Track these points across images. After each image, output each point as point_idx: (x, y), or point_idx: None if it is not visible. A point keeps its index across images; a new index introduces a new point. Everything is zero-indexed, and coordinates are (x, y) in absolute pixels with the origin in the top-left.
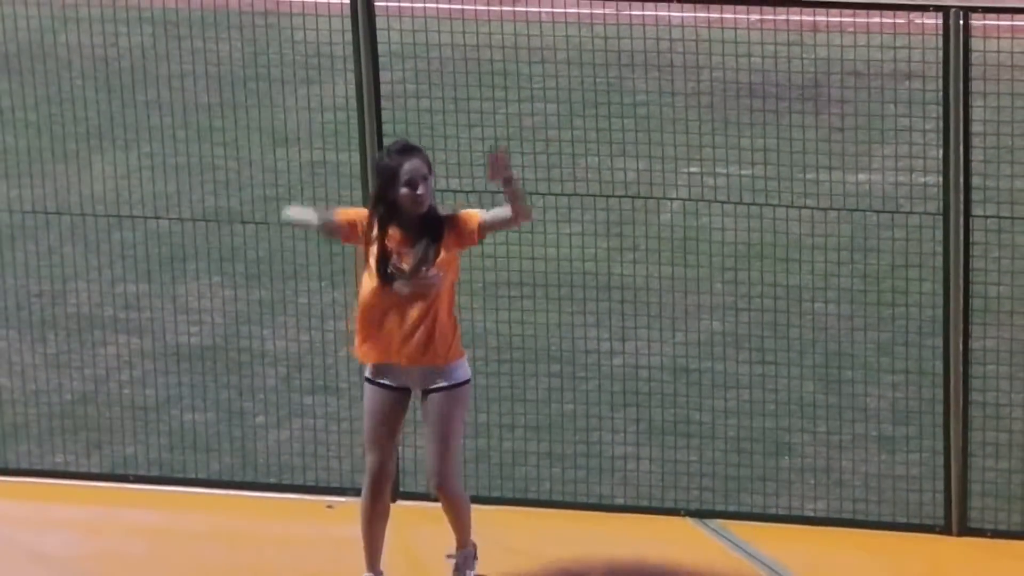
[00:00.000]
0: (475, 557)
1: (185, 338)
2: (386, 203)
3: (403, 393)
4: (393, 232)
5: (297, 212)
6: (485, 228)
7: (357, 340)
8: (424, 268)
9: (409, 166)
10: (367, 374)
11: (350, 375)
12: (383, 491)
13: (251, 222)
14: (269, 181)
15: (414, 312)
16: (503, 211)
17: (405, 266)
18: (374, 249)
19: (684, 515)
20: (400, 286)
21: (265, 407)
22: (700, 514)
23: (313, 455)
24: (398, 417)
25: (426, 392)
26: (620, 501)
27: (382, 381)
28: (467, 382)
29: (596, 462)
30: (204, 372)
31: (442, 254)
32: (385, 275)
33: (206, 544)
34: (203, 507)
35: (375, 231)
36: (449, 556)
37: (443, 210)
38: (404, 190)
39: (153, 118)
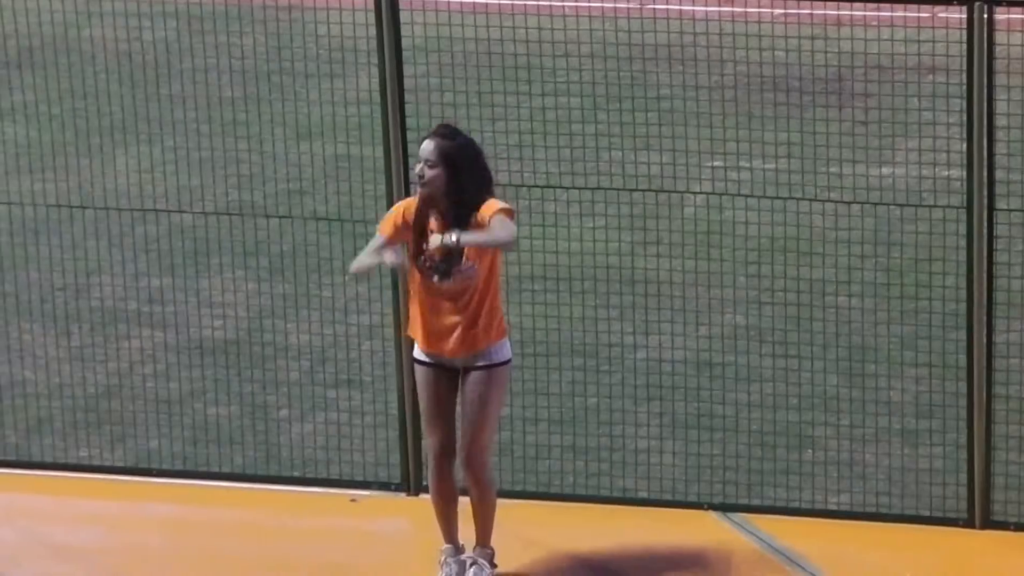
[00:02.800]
0: (492, 564)
1: (209, 332)
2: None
3: (452, 372)
4: (436, 221)
5: (361, 261)
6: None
7: (411, 326)
8: (455, 259)
9: (423, 146)
10: (415, 353)
11: (373, 368)
12: (447, 471)
13: (275, 216)
14: (293, 175)
15: (454, 304)
16: (485, 232)
17: (434, 252)
18: (412, 239)
19: (707, 508)
20: (440, 282)
21: (288, 401)
22: (723, 507)
23: (337, 449)
24: (450, 395)
25: (466, 370)
26: (643, 495)
27: (427, 360)
28: (507, 362)
29: (619, 456)
30: (228, 366)
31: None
32: (420, 267)
33: (230, 538)
34: (226, 501)
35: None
36: (458, 555)
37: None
38: (416, 168)
39: (177, 112)
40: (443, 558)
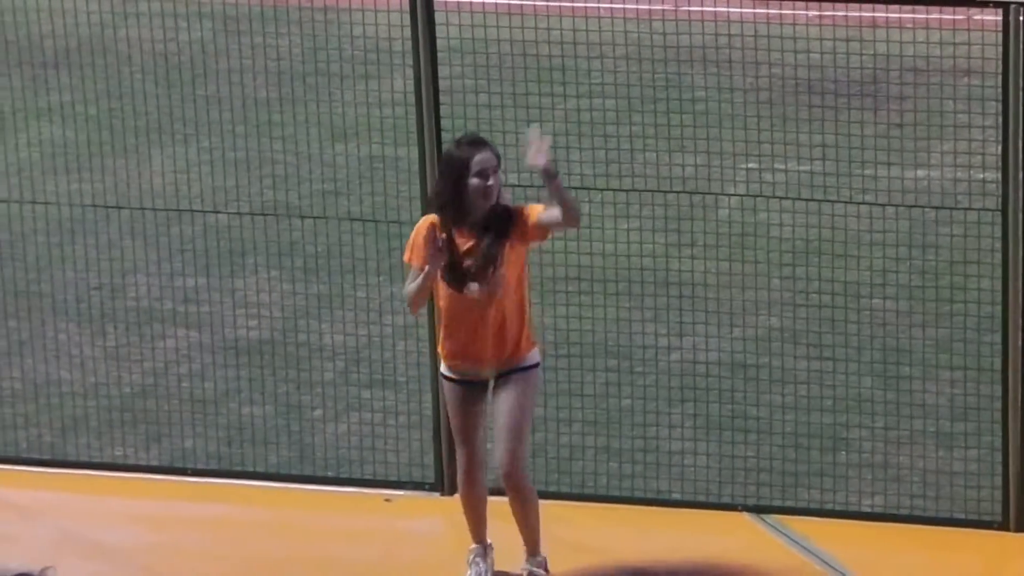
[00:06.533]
0: (546, 569)
1: (243, 332)
2: (454, 197)
3: (481, 386)
4: (459, 231)
5: (410, 288)
6: (540, 226)
7: (441, 343)
8: (492, 268)
9: (480, 157)
10: (442, 370)
11: (407, 369)
12: (476, 479)
13: (309, 216)
14: (327, 176)
15: (486, 313)
16: (555, 212)
17: (470, 265)
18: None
19: (741, 510)
20: (471, 290)
21: (323, 401)
22: (757, 509)
23: (371, 449)
24: (480, 410)
25: (497, 377)
26: (677, 496)
27: (455, 376)
28: (537, 365)
29: (653, 457)
30: (262, 366)
31: (508, 250)
32: (454, 279)
33: (264, 537)
34: (261, 500)
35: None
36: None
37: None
38: (474, 180)
39: (212, 113)
40: (472, 557)
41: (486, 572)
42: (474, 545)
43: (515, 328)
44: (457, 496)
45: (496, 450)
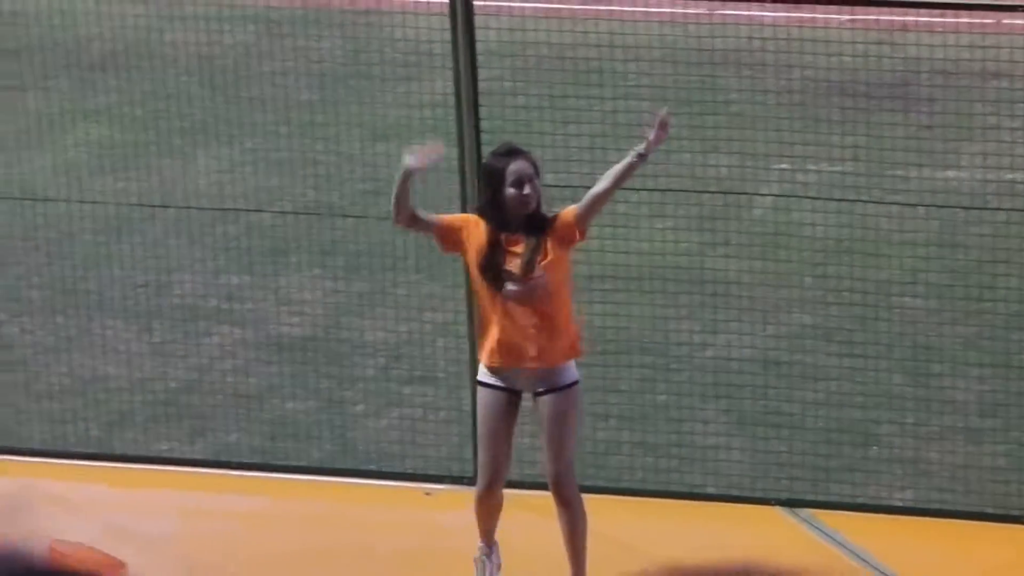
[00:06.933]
0: None
1: (286, 329)
2: (493, 206)
3: (514, 395)
4: (508, 239)
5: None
6: (582, 217)
7: (481, 344)
8: (530, 271)
9: (515, 166)
10: (479, 376)
11: (447, 365)
12: (496, 489)
13: (351, 216)
14: (368, 176)
15: (524, 315)
16: (594, 189)
17: (513, 269)
18: (479, 255)
19: (774, 504)
20: (508, 291)
21: (364, 396)
22: (790, 503)
23: (411, 443)
24: (510, 419)
25: (538, 395)
26: (711, 490)
27: (491, 382)
28: (576, 383)
29: (687, 452)
30: (305, 362)
31: (548, 255)
32: (492, 279)
33: (306, 530)
34: (303, 494)
35: (483, 236)
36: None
37: (548, 213)
38: (511, 190)
39: (256, 114)
40: (478, 555)
41: (495, 567)
42: (481, 544)
43: (559, 334)
44: None
45: (546, 463)
